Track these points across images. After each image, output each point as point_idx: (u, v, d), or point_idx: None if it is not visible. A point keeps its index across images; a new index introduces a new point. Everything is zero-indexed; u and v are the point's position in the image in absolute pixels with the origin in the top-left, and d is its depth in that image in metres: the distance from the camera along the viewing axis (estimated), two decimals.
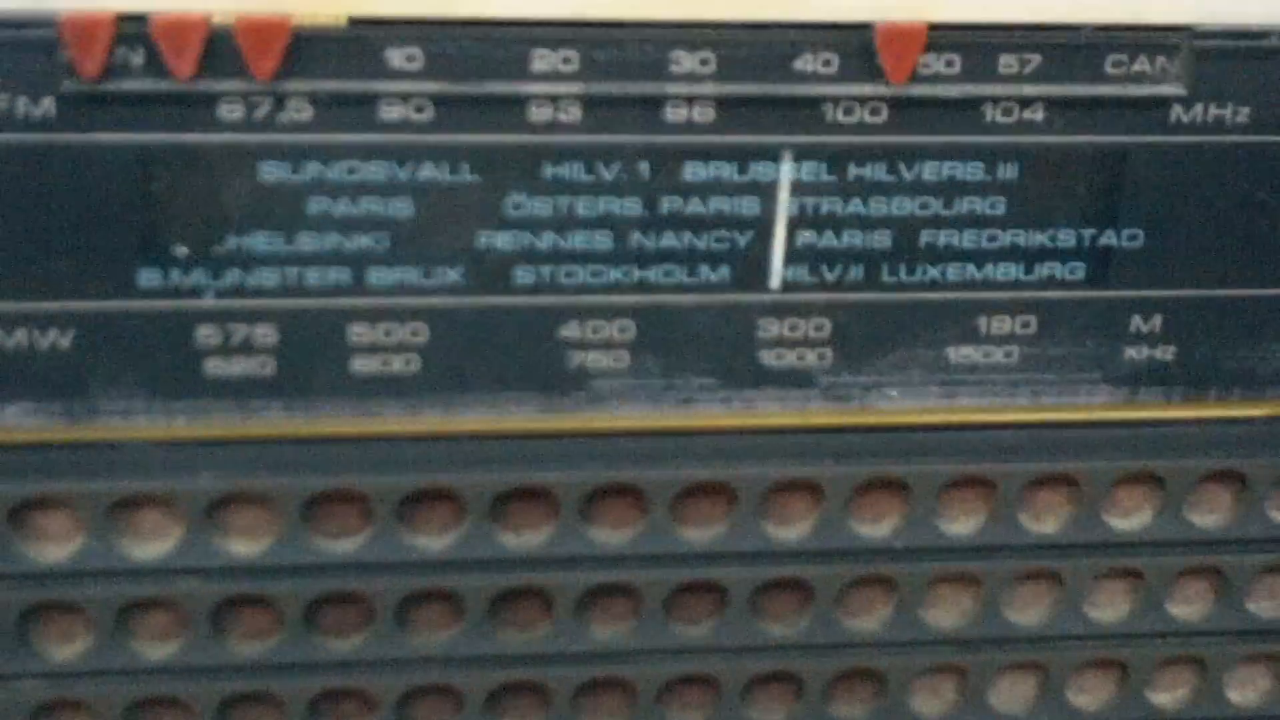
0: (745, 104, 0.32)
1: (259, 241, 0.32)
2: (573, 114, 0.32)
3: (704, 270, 0.33)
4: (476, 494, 0.34)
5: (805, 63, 0.32)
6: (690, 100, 0.32)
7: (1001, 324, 0.34)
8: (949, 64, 0.32)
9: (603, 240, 0.33)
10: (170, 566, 0.34)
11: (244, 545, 0.34)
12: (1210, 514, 0.37)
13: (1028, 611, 0.38)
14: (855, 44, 0.32)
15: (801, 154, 0.32)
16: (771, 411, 0.34)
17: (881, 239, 0.33)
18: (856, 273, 0.34)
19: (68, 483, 0.33)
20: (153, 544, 0.34)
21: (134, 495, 0.33)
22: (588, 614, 0.36)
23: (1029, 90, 0.32)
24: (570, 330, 0.33)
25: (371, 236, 0.32)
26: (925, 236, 0.33)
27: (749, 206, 0.33)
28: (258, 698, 0.36)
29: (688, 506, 0.35)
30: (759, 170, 0.32)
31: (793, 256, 0.33)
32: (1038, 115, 0.33)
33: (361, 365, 0.33)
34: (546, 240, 0.32)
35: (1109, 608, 0.38)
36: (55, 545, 0.34)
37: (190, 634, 0.35)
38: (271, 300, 0.32)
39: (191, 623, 0.35)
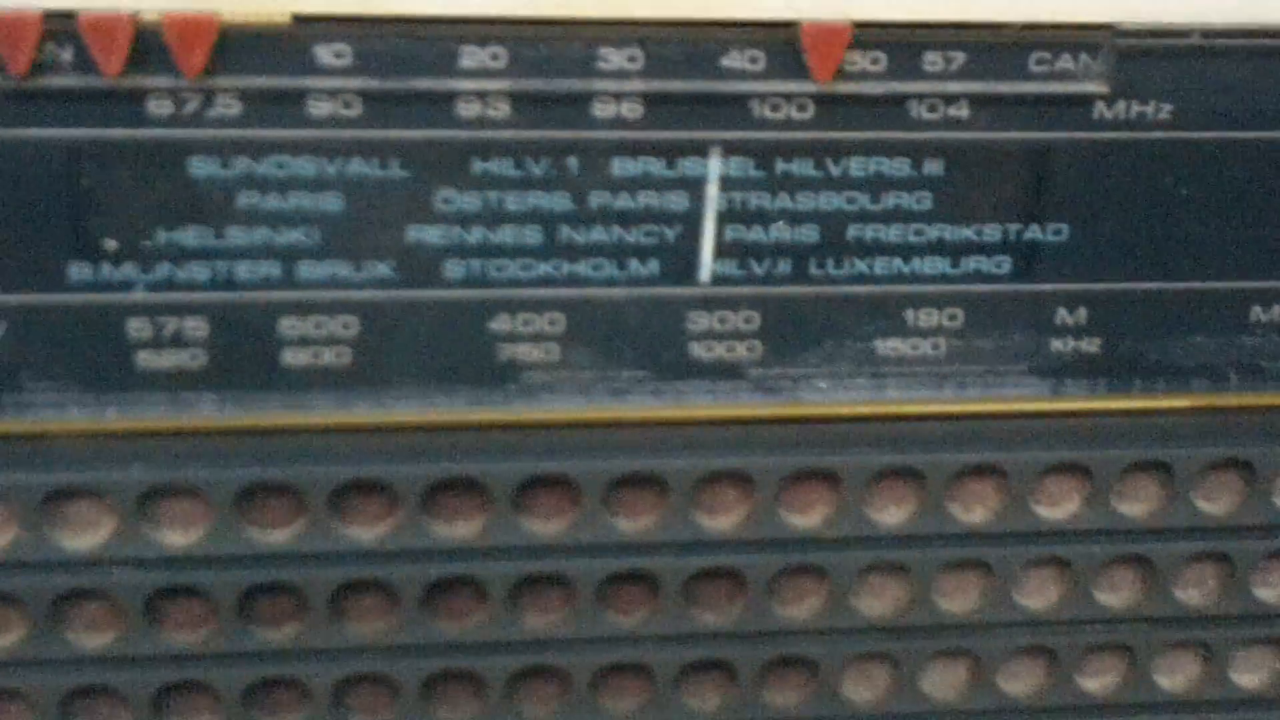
0: (673, 101, 0.32)
1: (189, 236, 0.32)
2: (501, 110, 0.32)
3: (634, 264, 0.33)
4: (408, 486, 0.34)
5: (732, 60, 0.32)
6: (618, 97, 0.32)
7: (929, 317, 0.35)
8: (874, 61, 0.32)
9: (532, 234, 0.33)
10: (104, 558, 0.34)
11: (177, 536, 0.34)
12: (1137, 503, 0.38)
13: (958, 599, 0.38)
14: (781, 42, 0.32)
15: (729, 150, 0.33)
16: (702, 403, 0.35)
17: (809, 234, 0.34)
18: (785, 267, 0.34)
19: (0, 475, 0.33)
20: (86, 535, 0.34)
21: (67, 487, 0.34)
22: (521, 604, 0.36)
23: (954, 87, 0.33)
24: (501, 323, 0.33)
25: (301, 231, 0.32)
26: (852, 231, 0.34)
27: (678, 201, 0.33)
28: (192, 687, 0.36)
29: (619, 497, 0.36)
30: (687, 166, 0.33)
31: (722, 251, 0.34)
32: (963, 112, 0.33)
33: (292, 358, 0.33)
34: (476, 235, 0.33)
35: (1038, 595, 0.38)
36: None
37: (124, 624, 0.35)
38: (202, 294, 0.32)
39: (126, 613, 0.35)
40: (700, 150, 0.33)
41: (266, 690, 0.36)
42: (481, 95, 0.32)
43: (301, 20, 0.31)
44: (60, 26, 0.30)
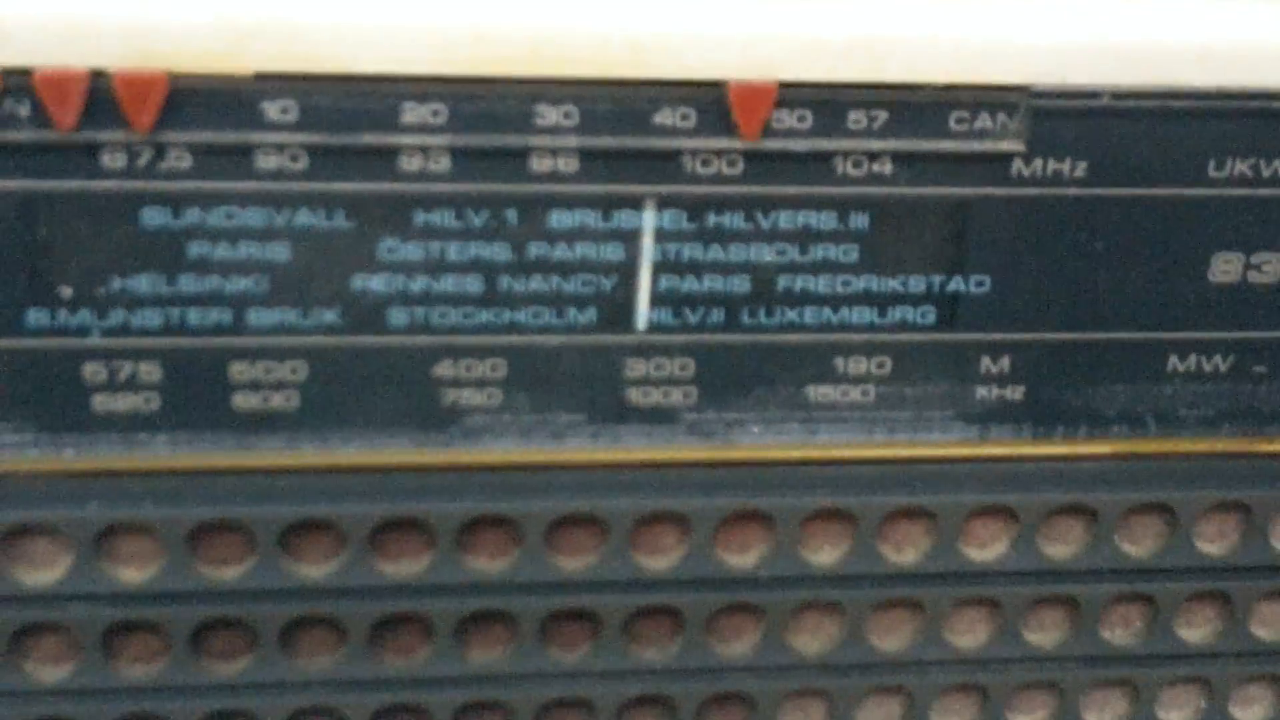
0: (607, 155, 0.33)
1: (142, 283, 0.33)
2: (442, 164, 0.33)
3: (572, 312, 0.35)
4: (355, 525, 0.36)
5: (664, 117, 0.33)
6: (554, 152, 0.33)
7: (858, 365, 0.36)
8: (800, 119, 0.34)
9: (473, 283, 0.34)
10: (61, 593, 0.35)
11: (131, 573, 0.35)
12: (1062, 545, 0.39)
13: (890, 638, 0.39)
14: (711, 100, 0.33)
15: (663, 203, 0.34)
16: (639, 447, 0.36)
17: (741, 284, 0.35)
18: (718, 315, 0.35)
19: None
20: (43, 571, 0.35)
21: (24, 525, 0.35)
22: (466, 640, 0.38)
23: (877, 145, 0.34)
24: (444, 369, 0.35)
25: (251, 279, 0.33)
26: (782, 281, 0.35)
27: (614, 252, 0.34)
28: (148, 719, 0.37)
29: (560, 537, 0.37)
30: (622, 218, 0.34)
31: (657, 300, 0.35)
32: (886, 168, 0.34)
33: (242, 401, 0.34)
34: (419, 283, 0.34)
35: (968, 634, 0.39)
36: None
37: (82, 658, 0.36)
38: (155, 339, 0.34)
39: (83, 647, 0.36)
40: (635, 203, 0.34)
41: None
42: (423, 149, 0.33)
43: (250, 77, 0.32)
44: (16, 82, 0.31)
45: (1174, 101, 0.34)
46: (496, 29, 0.32)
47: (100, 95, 0.31)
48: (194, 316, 0.33)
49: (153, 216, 0.32)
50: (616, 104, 0.33)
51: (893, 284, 0.35)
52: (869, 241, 0.35)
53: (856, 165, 0.34)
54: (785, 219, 0.34)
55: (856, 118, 0.33)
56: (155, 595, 0.35)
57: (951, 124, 0.34)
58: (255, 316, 0.34)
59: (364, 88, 0.32)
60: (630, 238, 0.34)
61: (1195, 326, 0.36)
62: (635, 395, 0.35)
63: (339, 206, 0.33)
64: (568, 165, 0.33)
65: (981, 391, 0.36)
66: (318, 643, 0.37)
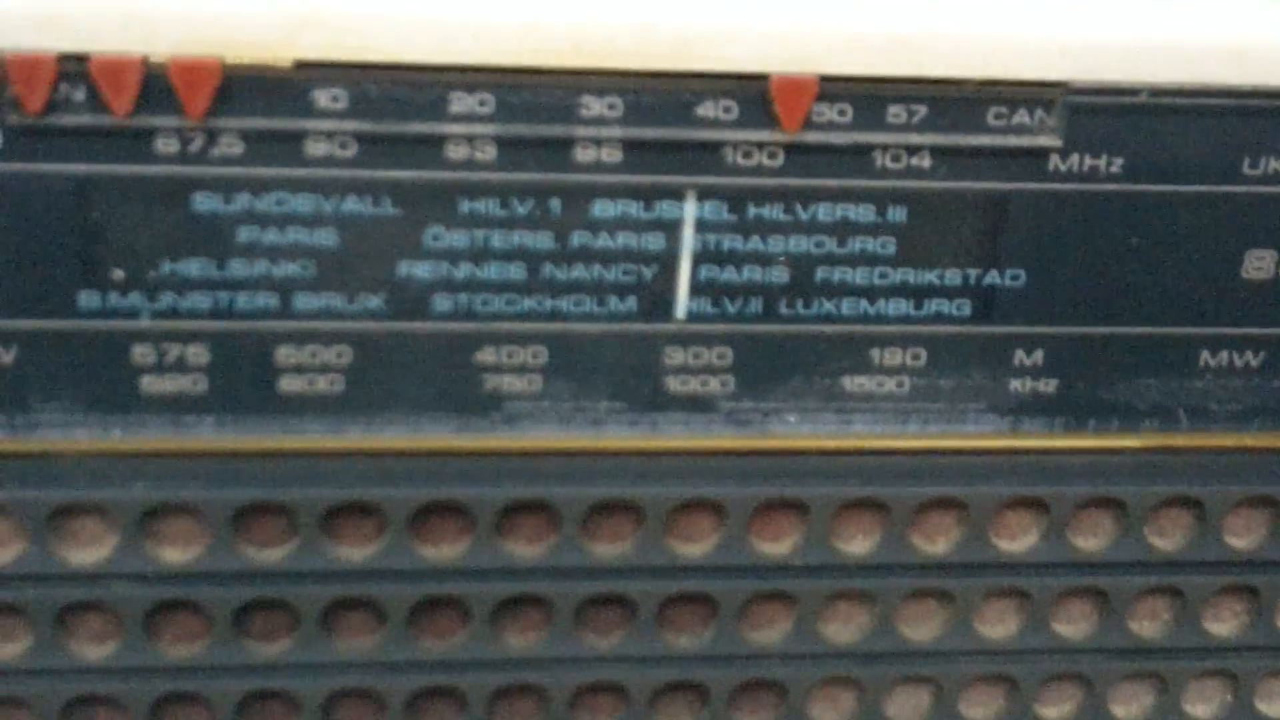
0: (650, 147, 0.34)
1: (192, 267, 0.34)
2: (488, 153, 0.34)
3: (612, 301, 0.35)
4: (396, 508, 0.36)
5: (706, 109, 0.34)
6: (598, 142, 0.34)
7: (893, 356, 0.36)
8: (841, 113, 0.34)
9: (516, 271, 0.35)
10: (106, 572, 0.36)
11: (176, 553, 0.36)
12: (1092, 538, 0.39)
13: (920, 628, 0.40)
14: (753, 93, 0.34)
15: (704, 194, 0.34)
16: (676, 435, 0.36)
17: (779, 274, 0.35)
18: (756, 306, 0.36)
19: (8, 491, 0.35)
20: (89, 550, 0.36)
21: (72, 504, 0.35)
22: (502, 623, 0.38)
23: (916, 139, 0.34)
24: (486, 355, 0.35)
25: (298, 264, 0.34)
26: (820, 273, 0.35)
27: (655, 242, 0.35)
28: (188, 698, 0.37)
29: (597, 523, 0.37)
30: (664, 209, 0.34)
31: (696, 289, 0.35)
32: (924, 162, 0.35)
33: (288, 385, 0.35)
34: (463, 270, 0.34)
35: (997, 625, 0.40)
36: None
37: (125, 636, 0.36)
38: (203, 322, 0.34)
39: (126, 625, 0.36)
40: (676, 194, 0.34)
41: (258, 702, 0.38)
42: (469, 139, 0.33)
43: (301, 65, 0.32)
44: (73, 68, 0.32)
45: (1210, 99, 0.34)
46: (543, 21, 0.32)
47: (155, 82, 0.32)
48: (242, 300, 0.34)
49: (204, 201, 0.33)
50: (660, 96, 0.33)
51: (929, 277, 0.36)
52: (906, 234, 0.35)
53: (895, 159, 0.34)
54: (824, 211, 0.35)
55: (896, 112, 0.34)
56: (198, 575, 0.36)
57: (990, 119, 0.34)
58: (302, 301, 0.34)
59: (413, 77, 0.33)
60: (671, 228, 0.35)
61: (1227, 322, 0.37)
62: (673, 384, 0.36)
63: (386, 194, 0.33)
64: (611, 156, 0.34)
65: (1015, 384, 0.37)
66: (357, 625, 0.37)
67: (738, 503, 0.37)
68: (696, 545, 0.37)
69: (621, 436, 0.36)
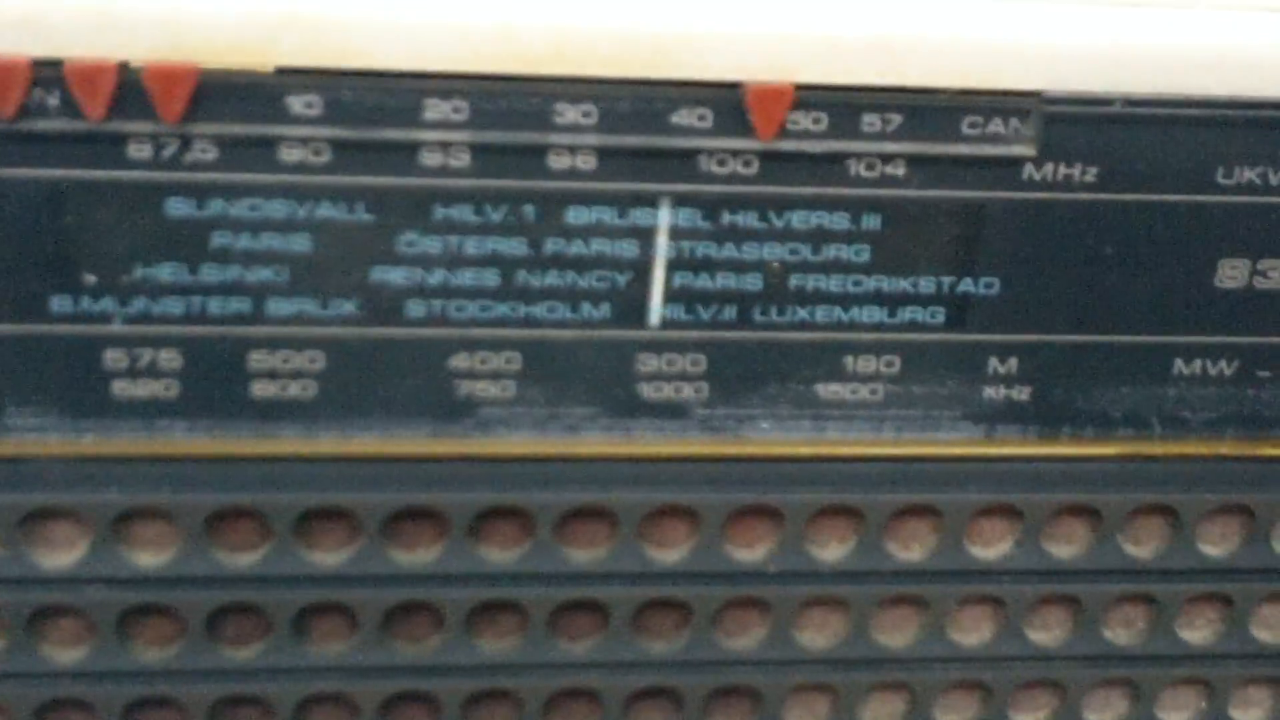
0: (625, 154, 0.34)
1: (165, 272, 0.34)
2: (462, 160, 0.34)
3: (586, 308, 0.35)
4: (370, 513, 0.36)
5: (681, 117, 0.34)
6: (573, 149, 0.34)
7: (867, 363, 0.36)
8: (816, 121, 0.34)
9: (490, 277, 0.35)
10: (78, 576, 0.36)
11: (148, 557, 0.36)
12: (1066, 545, 0.39)
13: (895, 634, 0.40)
14: (728, 101, 0.34)
15: (678, 201, 0.34)
16: (650, 441, 0.36)
17: (754, 282, 0.35)
18: (730, 313, 0.36)
19: None
20: (61, 554, 0.36)
21: (44, 508, 0.35)
22: (476, 628, 0.38)
23: (890, 147, 0.34)
24: (460, 361, 0.35)
25: (272, 269, 0.34)
26: (794, 280, 0.35)
27: (629, 249, 0.35)
28: (161, 702, 0.37)
29: (571, 529, 0.37)
30: (638, 215, 0.35)
31: (670, 296, 0.35)
32: (899, 170, 0.35)
33: (261, 390, 0.35)
34: (437, 276, 0.34)
35: (972, 632, 0.40)
36: None
37: (97, 640, 0.36)
38: (176, 327, 0.34)
39: (98, 630, 0.36)
40: (651, 201, 0.34)
41: (231, 707, 0.38)
42: (444, 145, 0.33)
43: (276, 71, 0.32)
44: (47, 73, 0.32)
45: (1184, 109, 0.34)
46: (519, 28, 0.32)
47: (129, 87, 0.32)
48: (215, 305, 0.34)
49: (177, 207, 0.33)
50: (635, 103, 0.33)
51: (903, 284, 0.36)
52: (881, 242, 0.35)
53: (870, 167, 0.34)
54: (798, 219, 0.35)
55: (871, 120, 0.34)
56: (171, 580, 0.36)
57: (964, 128, 0.34)
58: (275, 306, 0.34)
59: (388, 84, 0.33)
60: (646, 235, 0.35)
61: (1201, 331, 0.37)
62: (648, 390, 0.36)
63: (360, 200, 0.33)
64: (586, 163, 0.34)
65: (989, 391, 0.37)
66: (330, 629, 0.37)
67: (712, 509, 0.37)
68: (671, 551, 0.38)
69: (596, 442, 0.36)
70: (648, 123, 0.34)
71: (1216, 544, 0.39)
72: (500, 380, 0.35)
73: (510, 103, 0.33)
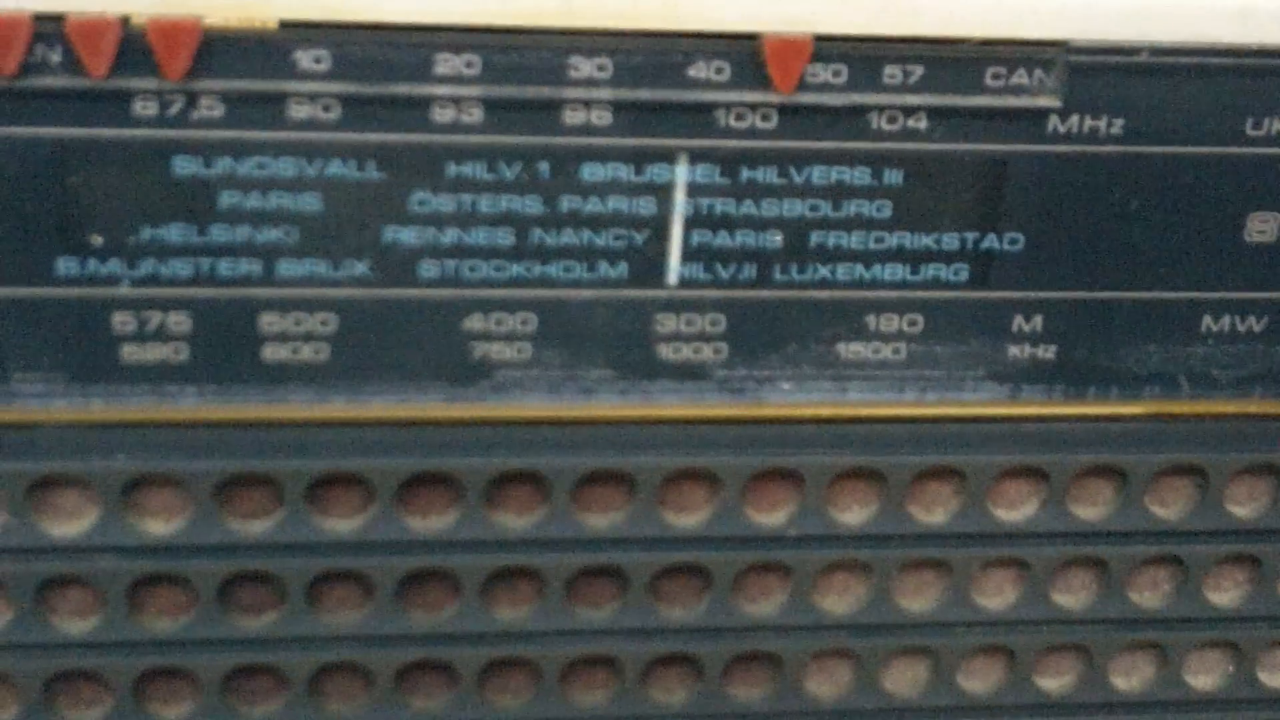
0: (640, 109, 0.33)
1: (173, 233, 0.33)
2: (475, 115, 0.33)
3: (603, 267, 0.35)
4: (384, 479, 0.35)
5: (698, 70, 0.33)
6: (588, 104, 0.33)
7: (889, 322, 0.36)
8: (836, 74, 0.33)
9: (504, 237, 0.34)
10: (87, 545, 0.35)
11: (159, 525, 0.35)
12: (1092, 507, 0.38)
13: (918, 599, 0.39)
14: (745, 54, 0.33)
15: (696, 157, 0.34)
16: (668, 403, 0.36)
17: (773, 239, 0.35)
18: (750, 271, 0.35)
19: None
20: (70, 523, 0.35)
21: (52, 475, 0.35)
22: (492, 596, 0.37)
23: (912, 100, 0.34)
24: (474, 322, 0.35)
25: (281, 230, 0.33)
26: (815, 237, 0.35)
27: (646, 206, 0.34)
28: (173, 673, 0.37)
29: (588, 493, 0.37)
30: (655, 172, 0.34)
31: (689, 255, 0.35)
32: (921, 124, 0.34)
33: (272, 353, 0.34)
34: (450, 236, 0.34)
35: (996, 596, 0.39)
36: None
37: (107, 610, 0.36)
38: (185, 289, 0.33)
39: (108, 599, 0.36)
40: (667, 157, 0.34)
41: (244, 676, 0.37)
42: (456, 101, 0.33)
43: (283, 25, 0.32)
44: (49, 29, 0.31)
45: (1212, 59, 0.34)
46: None
47: (133, 43, 0.31)
48: (224, 267, 0.33)
49: (184, 165, 0.32)
50: (650, 57, 0.33)
51: (926, 241, 0.35)
52: (902, 197, 0.34)
53: (891, 120, 0.34)
54: (818, 174, 0.34)
55: (892, 72, 0.33)
56: (182, 548, 0.35)
57: (988, 80, 0.34)
58: (285, 267, 0.33)
59: (397, 38, 0.32)
60: (662, 192, 0.34)
61: (1229, 287, 0.36)
62: (666, 351, 0.35)
63: (370, 157, 0.33)
64: (601, 118, 0.33)
65: (1014, 351, 0.36)
66: (344, 597, 0.37)
67: (731, 472, 0.36)
68: (690, 516, 0.37)
69: (613, 405, 0.35)
70: (663, 76, 0.33)
71: (1244, 505, 0.39)
72: (515, 342, 0.35)
73: (523, 57, 0.32)
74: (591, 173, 0.34)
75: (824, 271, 0.35)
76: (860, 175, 0.34)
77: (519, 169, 0.33)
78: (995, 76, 0.34)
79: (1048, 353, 0.36)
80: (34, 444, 0.34)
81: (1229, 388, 0.37)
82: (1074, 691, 0.40)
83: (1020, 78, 0.34)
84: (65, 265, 0.33)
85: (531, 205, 0.34)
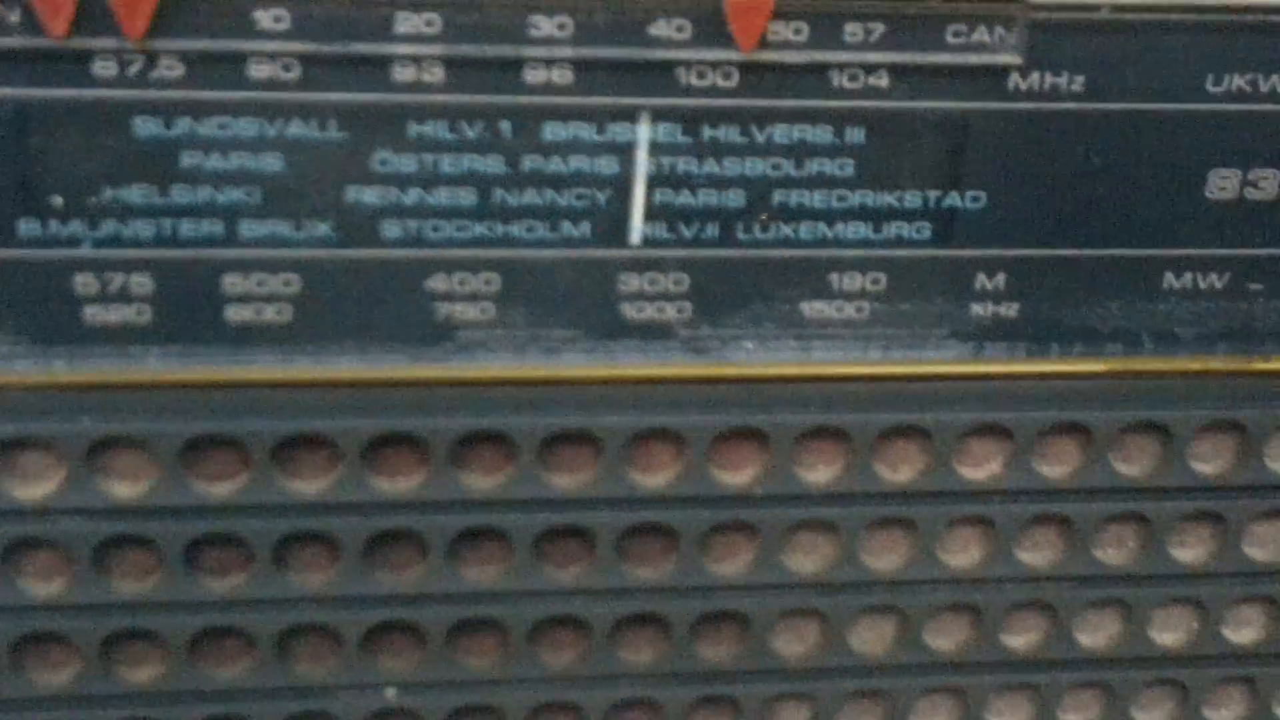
0: (602, 67, 0.33)
1: (134, 194, 0.33)
2: (436, 74, 0.33)
3: (566, 226, 0.35)
4: (349, 440, 0.35)
5: (659, 29, 0.33)
6: (549, 63, 0.33)
7: (852, 281, 0.36)
8: (797, 31, 0.33)
9: (467, 196, 0.34)
10: (53, 507, 0.35)
11: (124, 487, 0.35)
12: (1057, 465, 0.39)
13: (884, 557, 0.39)
14: (707, 11, 0.33)
15: (658, 116, 0.34)
16: (633, 363, 0.36)
17: (736, 198, 0.35)
18: (713, 230, 0.35)
19: None
20: (35, 486, 0.35)
21: (16, 438, 0.35)
22: (460, 556, 0.37)
23: (873, 58, 0.34)
24: (437, 282, 0.35)
25: (243, 190, 0.33)
26: (778, 196, 0.35)
27: (608, 166, 0.34)
28: (140, 635, 0.37)
29: (554, 454, 0.37)
30: (617, 131, 0.34)
31: (651, 214, 0.35)
32: (882, 81, 0.34)
33: (235, 314, 0.34)
34: (412, 196, 0.34)
35: (962, 554, 0.39)
36: None
37: (74, 573, 0.36)
38: (147, 250, 0.33)
39: (74, 562, 0.36)
40: (629, 116, 0.34)
41: (212, 639, 0.37)
42: (416, 60, 0.33)
43: None
44: None
45: (1173, 15, 0.34)
46: None
47: (92, 2, 0.31)
48: (186, 228, 0.33)
49: (145, 126, 0.32)
50: (612, 15, 0.33)
51: (888, 199, 0.35)
52: (865, 156, 0.35)
53: (853, 78, 0.34)
54: (780, 133, 0.34)
55: (853, 30, 0.33)
56: (148, 510, 0.35)
57: (949, 37, 0.34)
58: (248, 228, 0.33)
59: None
60: (625, 151, 0.34)
61: (1192, 243, 0.36)
62: (630, 311, 0.35)
63: (332, 117, 0.33)
64: (562, 77, 0.33)
65: (977, 309, 0.36)
66: (311, 559, 0.37)
67: (697, 432, 0.36)
68: (656, 476, 0.37)
69: (577, 365, 0.36)
70: (625, 35, 0.33)
71: (1209, 462, 0.39)
72: (479, 302, 0.35)
73: (484, 15, 0.32)
74: (553, 132, 0.33)
75: (787, 230, 0.35)
76: (822, 134, 0.34)
77: (481, 128, 0.33)
78: (956, 34, 0.34)
79: (1010, 310, 0.36)
80: None
81: (1192, 344, 0.37)
82: (1040, 649, 0.40)
83: (981, 35, 0.34)
84: (26, 227, 0.33)
85: (494, 165, 0.34)
